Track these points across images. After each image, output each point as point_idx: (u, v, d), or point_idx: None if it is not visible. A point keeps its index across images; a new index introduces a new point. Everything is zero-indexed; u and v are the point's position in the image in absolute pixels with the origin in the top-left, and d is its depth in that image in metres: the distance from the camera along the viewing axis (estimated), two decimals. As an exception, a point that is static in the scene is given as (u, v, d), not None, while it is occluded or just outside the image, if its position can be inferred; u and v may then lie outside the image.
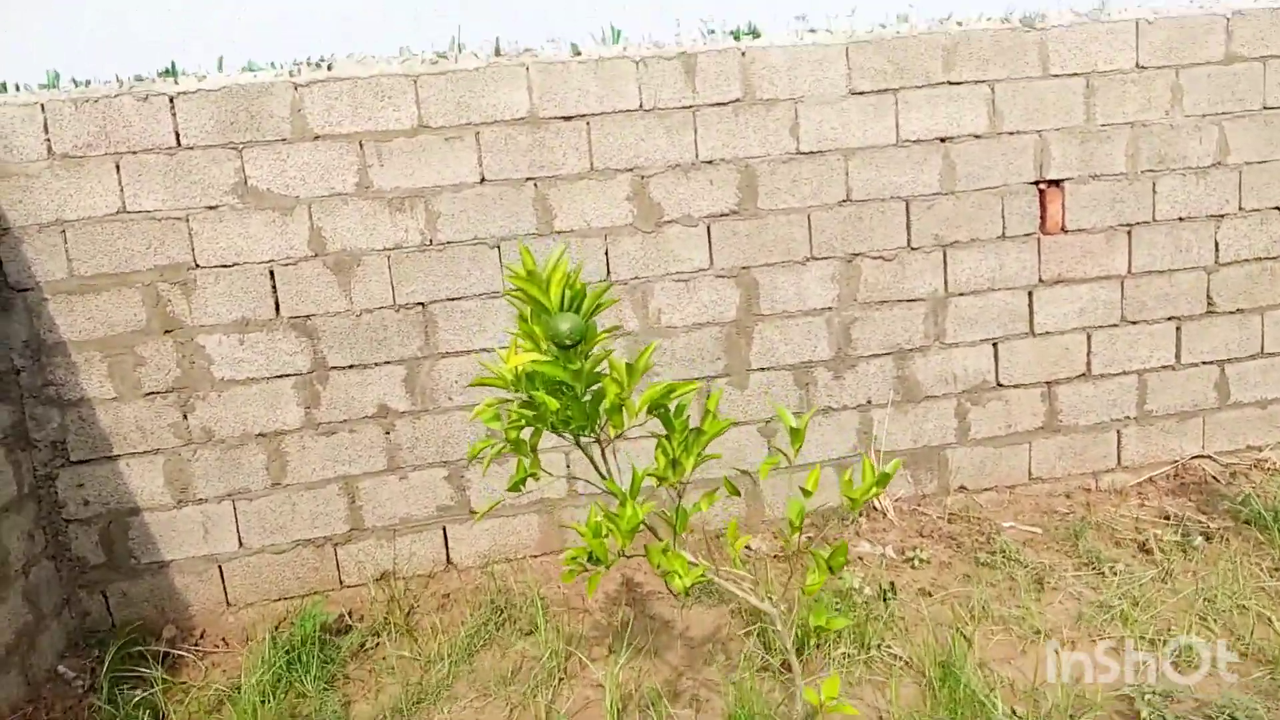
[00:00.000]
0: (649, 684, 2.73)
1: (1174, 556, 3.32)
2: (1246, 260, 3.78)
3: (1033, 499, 3.82)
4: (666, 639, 3.02)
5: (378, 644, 3.13)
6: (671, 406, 1.95)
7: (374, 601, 3.37)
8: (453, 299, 3.30)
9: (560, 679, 2.83)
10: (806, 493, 2.04)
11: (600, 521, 1.91)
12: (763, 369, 3.54)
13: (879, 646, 2.83)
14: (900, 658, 2.78)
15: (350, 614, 3.32)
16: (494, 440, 2.05)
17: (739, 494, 2.08)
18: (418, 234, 3.24)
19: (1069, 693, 2.53)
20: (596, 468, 2.03)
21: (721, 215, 3.43)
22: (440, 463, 3.39)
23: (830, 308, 3.54)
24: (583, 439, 2.01)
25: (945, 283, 3.60)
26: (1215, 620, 2.88)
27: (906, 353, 3.63)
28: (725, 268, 3.46)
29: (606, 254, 3.37)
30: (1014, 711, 2.47)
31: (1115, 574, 3.24)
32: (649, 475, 2.01)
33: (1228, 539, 3.42)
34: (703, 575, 1.99)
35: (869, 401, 3.65)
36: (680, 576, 1.89)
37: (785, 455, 2.06)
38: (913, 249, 3.56)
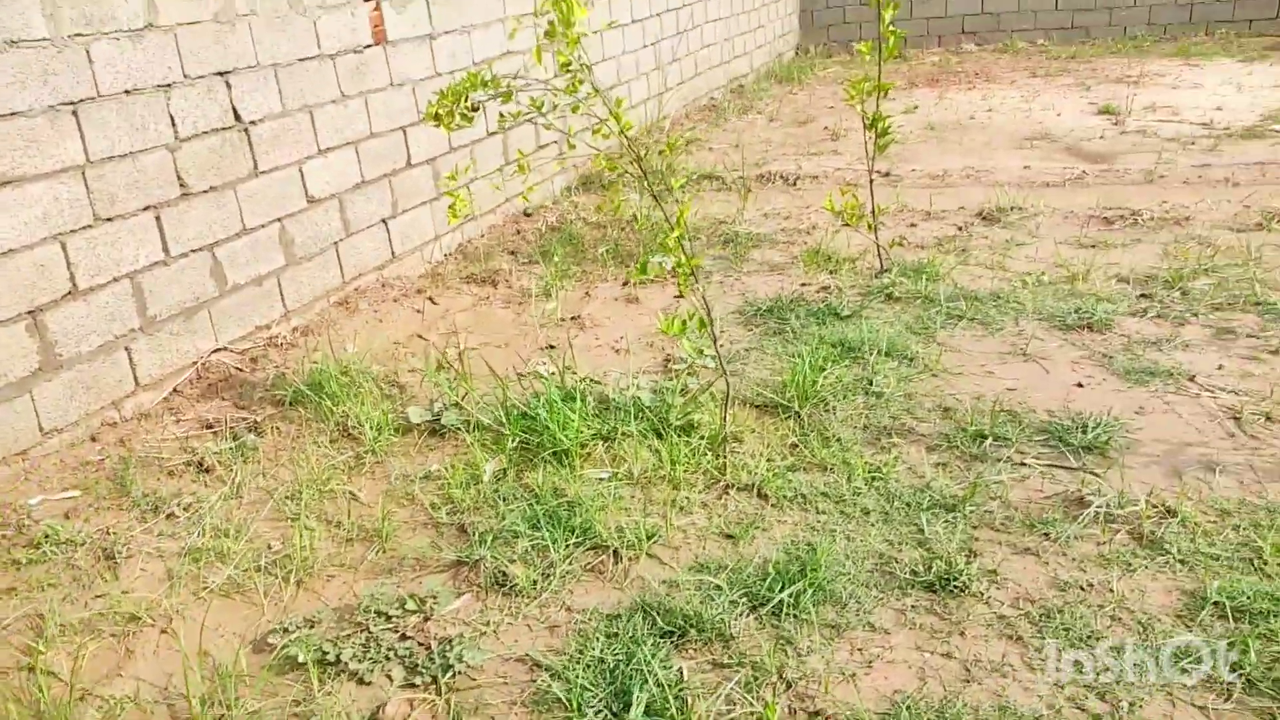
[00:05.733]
0: None
1: (235, 465, 3.05)
2: (207, 132, 3.49)
3: (55, 458, 3.06)
4: None
5: None
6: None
7: None
8: None
9: None
10: None
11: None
12: None
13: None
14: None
15: None
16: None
17: None
18: None
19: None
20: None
21: None
22: None
23: None
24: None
25: None
26: (310, 515, 2.73)
27: None
28: None
29: None
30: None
31: (185, 509, 2.82)
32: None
33: (277, 427, 3.29)
34: None
35: None
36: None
37: None
38: None
